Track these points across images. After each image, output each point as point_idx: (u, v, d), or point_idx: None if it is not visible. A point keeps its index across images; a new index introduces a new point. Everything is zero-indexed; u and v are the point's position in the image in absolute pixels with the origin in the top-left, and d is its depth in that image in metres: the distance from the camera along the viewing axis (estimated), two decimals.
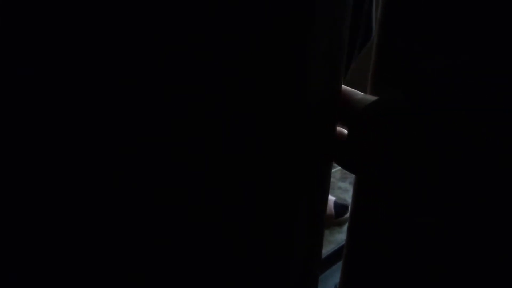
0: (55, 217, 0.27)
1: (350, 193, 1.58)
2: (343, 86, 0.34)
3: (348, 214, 1.59)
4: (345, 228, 1.58)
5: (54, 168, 0.26)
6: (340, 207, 1.59)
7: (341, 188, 1.77)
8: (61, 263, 0.28)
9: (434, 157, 0.27)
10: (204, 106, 0.26)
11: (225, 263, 0.30)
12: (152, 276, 0.29)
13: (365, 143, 0.31)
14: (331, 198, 1.62)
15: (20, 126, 0.25)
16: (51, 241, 0.27)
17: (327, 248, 1.43)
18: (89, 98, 0.25)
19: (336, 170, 1.82)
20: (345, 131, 0.36)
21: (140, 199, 0.27)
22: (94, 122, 0.25)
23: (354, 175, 0.39)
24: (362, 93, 0.35)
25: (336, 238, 1.57)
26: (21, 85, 0.24)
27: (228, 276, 0.31)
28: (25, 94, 0.24)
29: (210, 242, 0.29)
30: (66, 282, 0.28)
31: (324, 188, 0.36)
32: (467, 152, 0.26)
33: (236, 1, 0.25)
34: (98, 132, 0.25)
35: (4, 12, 0.23)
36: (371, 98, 0.34)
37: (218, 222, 0.29)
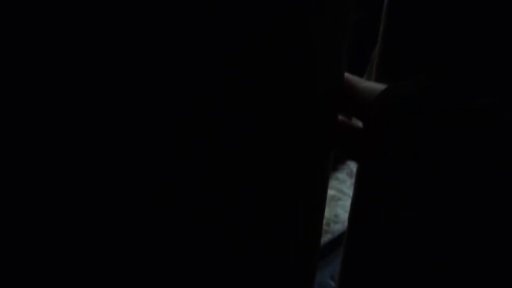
0: (55, 217, 0.27)
1: (347, 183, 1.58)
2: (346, 74, 0.34)
3: None
4: (341, 218, 1.58)
5: (54, 168, 0.26)
6: None
7: (338, 179, 1.77)
8: (61, 263, 0.28)
9: (442, 150, 0.27)
10: (204, 106, 0.26)
11: (224, 262, 0.31)
12: (152, 276, 0.29)
13: (375, 131, 0.30)
14: None
15: (20, 126, 0.25)
16: (51, 241, 0.27)
17: (324, 238, 1.43)
18: (89, 98, 0.25)
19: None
20: (347, 120, 0.35)
21: (140, 199, 0.27)
22: (94, 122, 0.25)
23: (350, 166, 0.39)
24: (367, 81, 0.34)
25: (332, 228, 1.57)
26: (21, 85, 0.24)
27: (227, 274, 0.31)
28: (25, 94, 0.24)
29: (210, 242, 0.29)
30: (66, 282, 0.28)
31: (324, 180, 0.36)
32: (468, 150, 0.26)
33: None
34: (98, 132, 0.26)
35: (4, 12, 0.23)
36: (377, 85, 0.33)
37: (218, 221, 0.29)
